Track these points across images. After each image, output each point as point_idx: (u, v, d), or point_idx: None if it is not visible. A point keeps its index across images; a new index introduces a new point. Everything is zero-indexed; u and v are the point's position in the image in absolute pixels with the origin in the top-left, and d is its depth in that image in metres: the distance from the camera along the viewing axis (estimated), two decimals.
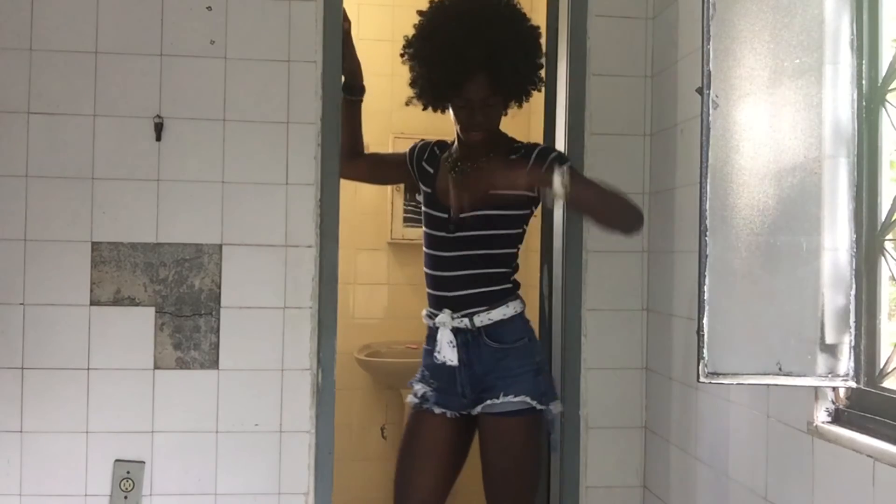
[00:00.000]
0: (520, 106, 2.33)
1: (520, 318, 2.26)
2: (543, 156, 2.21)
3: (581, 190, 2.09)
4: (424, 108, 2.32)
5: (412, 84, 2.30)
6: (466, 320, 2.22)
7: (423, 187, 2.38)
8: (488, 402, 2.20)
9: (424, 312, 2.34)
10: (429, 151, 2.41)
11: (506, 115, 2.31)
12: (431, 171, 2.37)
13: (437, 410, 2.28)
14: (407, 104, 2.33)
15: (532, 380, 2.21)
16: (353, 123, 2.46)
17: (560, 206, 2.15)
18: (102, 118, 2.38)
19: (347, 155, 2.46)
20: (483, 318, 2.21)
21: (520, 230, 2.28)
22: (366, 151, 2.53)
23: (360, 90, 2.45)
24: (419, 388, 2.33)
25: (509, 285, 2.27)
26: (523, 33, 2.23)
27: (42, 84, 2.36)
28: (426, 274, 2.31)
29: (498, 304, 2.23)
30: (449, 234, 2.25)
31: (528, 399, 2.18)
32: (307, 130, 2.44)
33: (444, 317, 2.24)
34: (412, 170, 2.43)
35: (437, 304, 2.28)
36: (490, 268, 2.24)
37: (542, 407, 2.21)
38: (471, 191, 2.16)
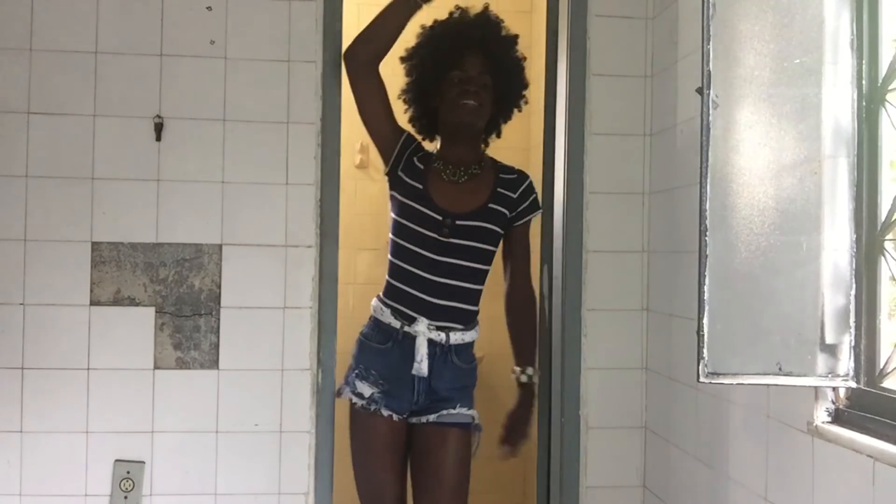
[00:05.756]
0: (498, 134, 2.41)
1: (474, 343, 2.35)
2: (528, 192, 2.36)
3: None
4: (412, 103, 2.39)
5: (405, 91, 2.38)
6: (443, 335, 2.22)
7: (410, 182, 2.27)
8: (444, 411, 2.23)
9: (385, 307, 2.25)
10: (423, 151, 2.34)
11: (487, 144, 2.40)
12: (422, 167, 2.28)
13: (385, 413, 2.23)
14: (399, 97, 2.38)
15: (472, 399, 2.31)
16: (401, 26, 2.27)
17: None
18: (102, 118, 2.38)
19: (373, 54, 2.27)
20: (457, 338, 2.25)
21: (495, 249, 2.32)
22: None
23: None
24: (366, 388, 2.23)
25: (478, 308, 2.31)
26: (513, 51, 2.35)
27: (42, 84, 2.36)
28: (404, 270, 2.23)
29: (471, 327, 2.29)
30: (441, 238, 2.22)
31: (474, 414, 2.28)
32: (307, 130, 2.44)
33: (422, 327, 2.20)
34: (396, 145, 2.31)
35: (413, 306, 2.21)
36: (473, 283, 2.26)
37: (476, 423, 2.31)
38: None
